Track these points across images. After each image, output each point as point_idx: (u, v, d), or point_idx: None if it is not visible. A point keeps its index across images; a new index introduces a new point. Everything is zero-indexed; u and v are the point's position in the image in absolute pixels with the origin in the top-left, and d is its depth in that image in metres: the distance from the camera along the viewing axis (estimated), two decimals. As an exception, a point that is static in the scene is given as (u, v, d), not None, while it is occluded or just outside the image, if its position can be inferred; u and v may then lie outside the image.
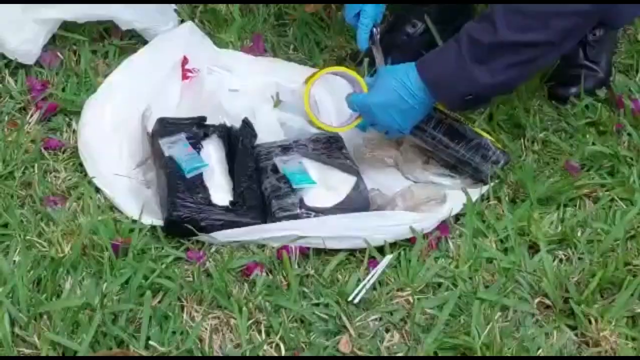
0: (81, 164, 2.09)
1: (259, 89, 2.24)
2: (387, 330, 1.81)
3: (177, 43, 2.27)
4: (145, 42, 2.38)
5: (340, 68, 2.10)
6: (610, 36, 2.36)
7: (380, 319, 1.82)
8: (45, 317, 1.76)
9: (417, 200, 2.02)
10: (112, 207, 1.99)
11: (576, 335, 1.81)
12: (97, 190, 2.03)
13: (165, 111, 2.15)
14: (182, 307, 1.81)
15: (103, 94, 2.19)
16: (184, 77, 2.22)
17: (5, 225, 1.94)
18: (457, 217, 2.02)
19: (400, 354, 1.76)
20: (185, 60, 2.23)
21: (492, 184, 2.06)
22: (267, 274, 1.88)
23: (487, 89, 1.95)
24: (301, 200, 1.97)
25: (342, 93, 2.11)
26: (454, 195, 2.04)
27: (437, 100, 2.00)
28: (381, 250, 1.92)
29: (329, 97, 2.20)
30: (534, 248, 1.97)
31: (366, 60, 2.27)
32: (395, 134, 2.06)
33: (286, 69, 2.33)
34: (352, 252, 1.93)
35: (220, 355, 1.74)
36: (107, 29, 2.41)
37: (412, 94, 1.96)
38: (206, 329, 1.78)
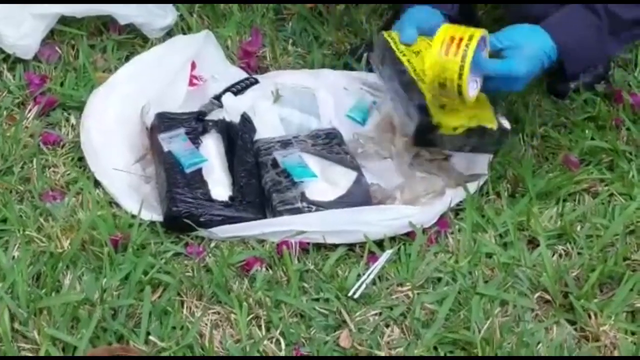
0: (80, 159, 2.08)
1: (259, 85, 2.23)
2: (387, 325, 1.81)
3: (189, 48, 2.24)
4: (144, 37, 2.38)
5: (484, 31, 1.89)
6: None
7: (380, 313, 1.82)
8: (44, 312, 1.76)
9: (416, 193, 2.02)
10: (111, 202, 1.99)
11: (576, 329, 1.81)
12: (96, 185, 2.03)
13: (166, 110, 2.13)
14: (182, 303, 1.81)
15: (108, 87, 2.18)
16: (191, 83, 2.19)
17: (4, 221, 1.94)
18: (457, 212, 2.02)
19: (400, 349, 1.77)
20: (194, 66, 2.21)
21: (489, 177, 2.07)
22: (267, 269, 1.88)
23: (607, 59, 2.12)
24: (302, 194, 1.96)
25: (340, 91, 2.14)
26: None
27: (562, 65, 1.97)
28: (381, 245, 1.92)
29: (329, 96, 2.20)
30: (533, 243, 1.97)
31: (365, 55, 2.28)
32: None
33: (290, 75, 2.31)
34: (351, 247, 1.93)
35: (221, 350, 1.74)
36: (105, 23, 2.40)
37: (550, 61, 1.95)
38: (206, 324, 1.77)
